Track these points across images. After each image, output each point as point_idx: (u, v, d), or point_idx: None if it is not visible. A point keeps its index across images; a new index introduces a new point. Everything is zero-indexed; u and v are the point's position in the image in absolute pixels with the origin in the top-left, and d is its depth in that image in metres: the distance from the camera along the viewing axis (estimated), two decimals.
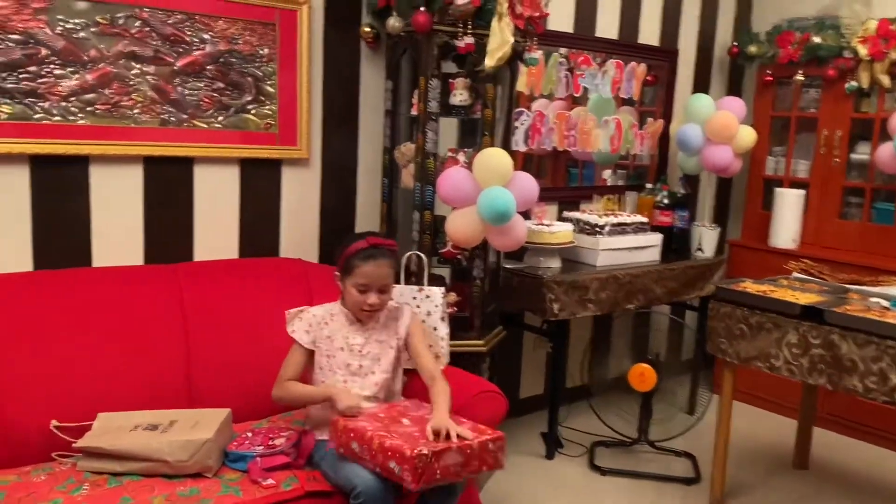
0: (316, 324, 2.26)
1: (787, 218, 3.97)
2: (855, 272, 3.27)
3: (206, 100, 2.62)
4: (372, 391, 2.25)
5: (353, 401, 2.11)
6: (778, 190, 4.02)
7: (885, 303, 2.68)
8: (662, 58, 4.06)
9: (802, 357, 2.63)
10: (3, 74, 2.25)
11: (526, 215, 3.24)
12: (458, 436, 1.97)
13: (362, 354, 2.26)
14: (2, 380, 2.14)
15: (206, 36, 2.58)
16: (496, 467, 2.04)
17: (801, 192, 3.97)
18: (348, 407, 2.08)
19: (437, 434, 1.97)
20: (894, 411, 3.55)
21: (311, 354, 2.27)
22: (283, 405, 2.37)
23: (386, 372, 2.28)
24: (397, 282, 2.68)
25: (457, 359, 2.68)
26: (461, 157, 2.82)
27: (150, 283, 2.47)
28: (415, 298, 2.56)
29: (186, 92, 2.58)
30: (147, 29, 2.47)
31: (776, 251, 3.98)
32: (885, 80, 3.63)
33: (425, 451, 1.89)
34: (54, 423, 2.14)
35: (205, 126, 2.63)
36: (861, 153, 3.85)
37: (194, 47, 2.57)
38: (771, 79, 4.08)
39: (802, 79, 3.93)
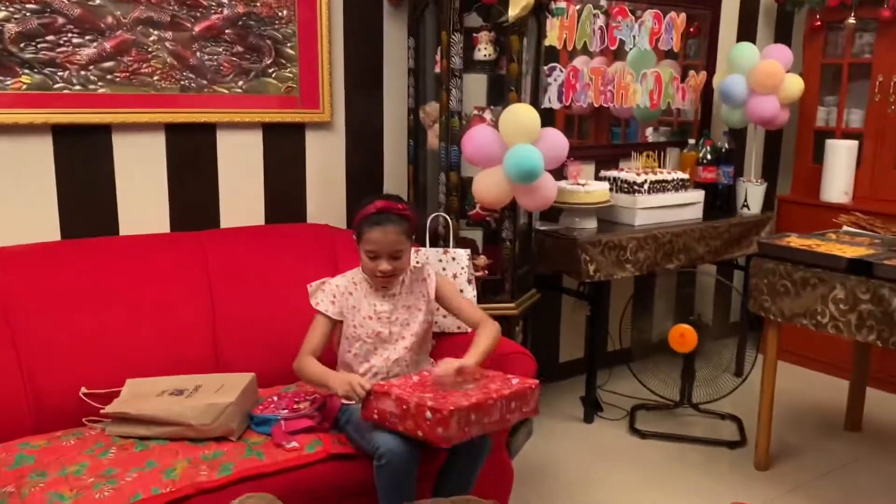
0: (340, 294, 2.20)
1: (840, 170, 3.78)
2: None
3: (226, 64, 2.59)
4: (401, 355, 2.21)
5: (347, 389, 2.00)
6: (829, 141, 3.82)
7: None
8: (704, 7, 3.87)
9: (850, 313, 2.49)
10: (21, 45, 2.25)
11: (560, 175, 3.15)
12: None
13: (391, 321, 2.21)
14: (33, 349, 2.17)
15: None
16: (436, 442, 1.86)
17: (855, 143, 3.77)
18: (346, 394, 2.01)
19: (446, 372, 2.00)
20: None
21: (335, 326, 2.22)
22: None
23: (416, 335, 2.23)
24: (423, 244, 2.64)
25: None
26: (488, 116, 2.74)
27: (177, 251, 2.47)
28: (440, 261, 2.51)
29: (206, 57, 2.55)
30: None
31: (828, 206, 3.79)
32: None
33: (367, 386, 1.96)
34: (84, 389, 2.17)
35: (225, 91, 2.60)
36: None
37: (212, 11, 2.53)
38: (821, 24, 3.86)
39: (855, 22, 3.70)
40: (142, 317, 2.32)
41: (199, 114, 2.56)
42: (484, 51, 2.68)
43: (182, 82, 2.52)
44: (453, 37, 2.58)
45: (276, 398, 2.23)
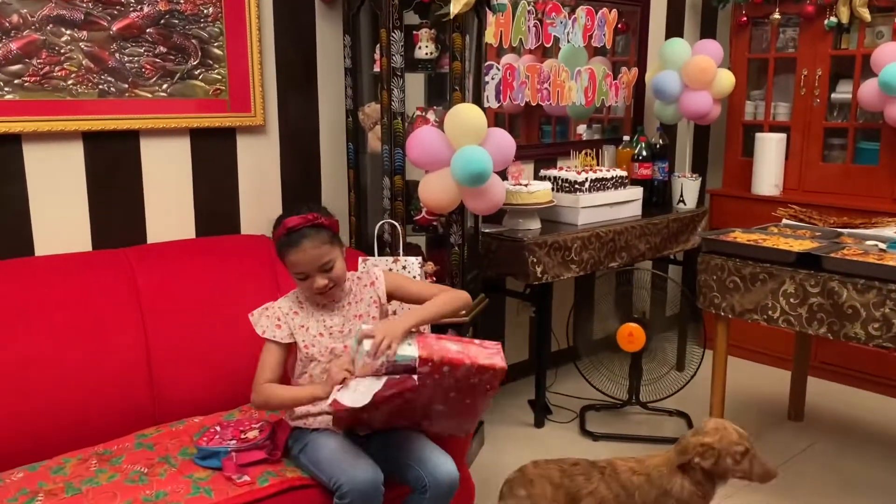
0: (284, 315, 2.04)
1: (769, 163, 3.84)
2: (845, 215, 3.16)
3: (148, 66, 2.39)
4: None
5: (339, 375, 1.89)
6: (758, 135, 3.88)
7: (882, 245, 2.56)
8: (634, 2, 3.87)
9: (801, 307, 2.50)
10: None
11: (502, 175, 3.07)
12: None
13: (344, 334, 2.06)
14: None
15: None
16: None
17: (782, 135, 3.84)
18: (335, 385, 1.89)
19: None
20: (885, 356, 3.46)
21: (288, 350, 2.06)
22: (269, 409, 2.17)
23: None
24: (371, 253, 2.51)
25: (438, 331, 2.51)
26: (431, 116, 2.63)
27: (101, 270, 2.26)
28: (391, 270, 2.38)
29: (125, 58, 2.34)
30: None
31: (759, 198, 3.86)
32: (866, 14, 3.48)
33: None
34: None
35: (148, 95, 2.40)
36: (842, 92, 3.72)
37: (130, 9, 2.33)
38: (746, 19, 3.91)
39: (779, 17, 3.77)
40: (66, 345, 2.11)
41: (120, 120, 2.36)
42: (425, 49, 2.57)
43: (100, 86, 2.31)
44: (393, 35, 2.46)
45: (219, 427, 2.06)
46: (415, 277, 2.38)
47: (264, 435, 2.00)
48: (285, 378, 2.07)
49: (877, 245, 2.56)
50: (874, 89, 3.35)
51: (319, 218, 1.98)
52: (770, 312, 2.58)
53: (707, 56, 3.57)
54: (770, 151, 3.83)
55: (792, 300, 2.52)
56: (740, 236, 2.75)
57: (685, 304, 3.59)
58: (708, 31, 4.26)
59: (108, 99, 2.33)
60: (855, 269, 2.38)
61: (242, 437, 1.99)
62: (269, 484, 1.87)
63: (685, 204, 3.75)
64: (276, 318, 2.03)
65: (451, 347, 1.85)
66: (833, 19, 3.58)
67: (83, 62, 2.27)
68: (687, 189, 3.74)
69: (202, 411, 2.23)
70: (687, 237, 3.67)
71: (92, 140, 2.33)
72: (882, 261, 2.37)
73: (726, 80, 3.62)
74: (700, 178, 3.80)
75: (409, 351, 1.81)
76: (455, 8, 2.39)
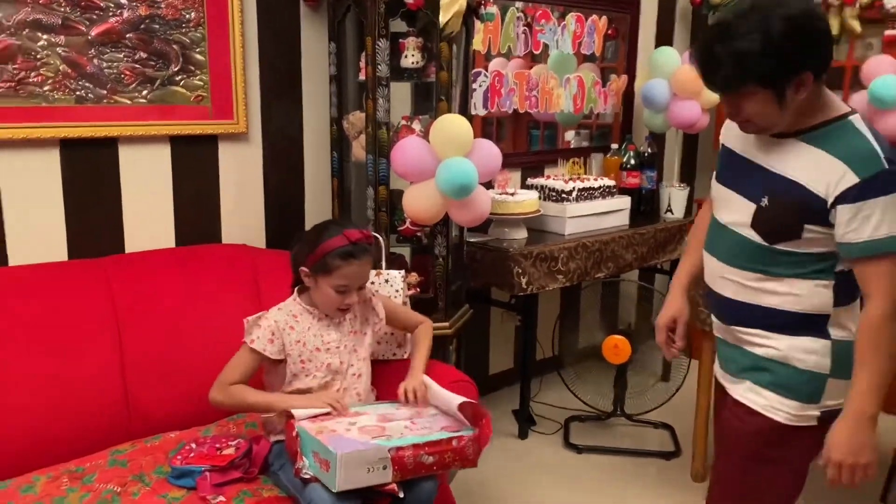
0: (279, 330, 2.00)
1: None
2: None
3: (128, 72, 2.34)
4: (353, 384, 2.07)
5: (329, 399, 1.94)
6: None
7: None
8: (624, 9, 3.85)
9: None
10: None
11: (488, 183, 3.03)
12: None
13: (340, 350, 2.04)
14: None
15: (122, 0, 2.29)
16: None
17: None
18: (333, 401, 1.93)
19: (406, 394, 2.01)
20: None
21: (270, 363, 2.03)
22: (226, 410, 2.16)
23: (363, 360, 2.10)
24: None
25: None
26: (416, 126, 2.59)
27: (76, 281, 2.21)
28: (373, 283, 2.34)
29: (104, 64, 2.29)
30: None
31: None
32: (856, 26, 3.47)
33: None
34: None
35: (128, 102, 2.35)
36: None
37: (110, 13, 2.28)
38: None
39: None
40: (38, 357, 2.06)
41: (99, 127, 2.30)
42: (411, 57, 2.53)
43: (78, 92, 2.26)
44: (379, 43, 2.42)
45: (194, 444, 2.02)
46: (398, 291, 2.35)
47: (241, 452, 1.96)
48: (261, 387, 2.07)
49: None
50: (864, 101, 3.34)
51: (373, 237, 2.08)
52: None
53: None
54: None
55: None
56: None
57: None
58: (698, 38, 4.23)
59: (85, 105, 2.27)
60: None
61: (219, 453, 1.95)
62: None
63: (672, 213, 3.72)
64: (270, 332, 2.00)
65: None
66: None
67: (60, 68, 2.22)
68: (675, 198, 3.72)
69: (179, 426, 2.18)
70: (674, 247, 3.64)
71: (69, 147, 2.28)
72: None
73: None
74: (688, 188, 3.78)
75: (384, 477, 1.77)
76: (445, 18, 2.35)
